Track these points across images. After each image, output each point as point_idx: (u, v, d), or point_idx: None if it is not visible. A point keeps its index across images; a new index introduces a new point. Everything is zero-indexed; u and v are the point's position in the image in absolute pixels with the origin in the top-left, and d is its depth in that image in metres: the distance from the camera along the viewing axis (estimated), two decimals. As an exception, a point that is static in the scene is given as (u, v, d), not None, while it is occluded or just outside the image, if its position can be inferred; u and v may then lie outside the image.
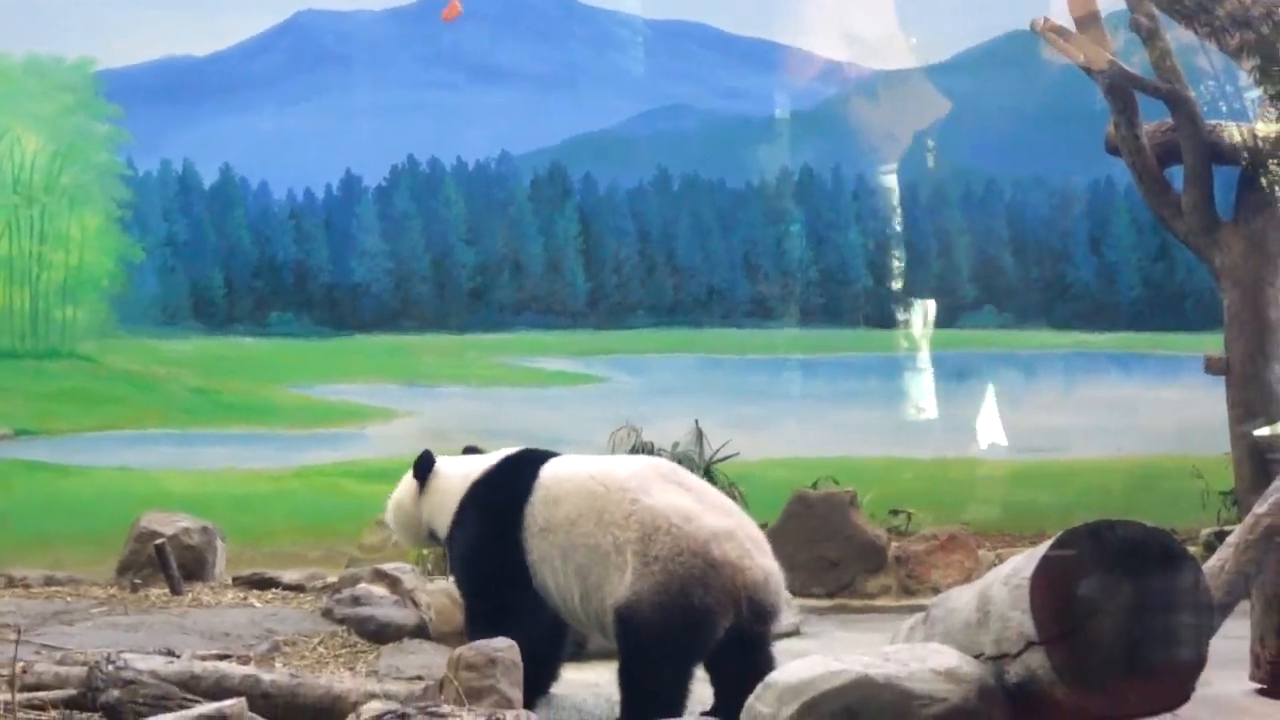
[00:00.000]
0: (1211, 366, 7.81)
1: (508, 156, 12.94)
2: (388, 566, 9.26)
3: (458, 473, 7.65)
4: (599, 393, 12.93)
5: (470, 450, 7.90)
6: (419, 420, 12.59)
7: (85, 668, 6.17)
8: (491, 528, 7.44)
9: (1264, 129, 7.32)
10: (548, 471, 7.38)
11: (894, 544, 10.69)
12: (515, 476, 7.49)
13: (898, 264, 13.28)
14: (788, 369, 13.04)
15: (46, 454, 12.07)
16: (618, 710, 6.88)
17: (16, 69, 12.20)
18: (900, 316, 13.25)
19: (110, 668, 5.96)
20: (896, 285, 13.29)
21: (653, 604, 6.65)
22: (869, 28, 13.04)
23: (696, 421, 12.42)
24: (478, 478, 7.58)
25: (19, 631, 7.30)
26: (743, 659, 6.69)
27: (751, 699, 5.47)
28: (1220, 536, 8.30)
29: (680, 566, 6.65)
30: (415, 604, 8.68)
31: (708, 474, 12.13)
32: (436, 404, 12.67)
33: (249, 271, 12.62)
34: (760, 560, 6.81)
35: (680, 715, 6.56)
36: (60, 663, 6.71)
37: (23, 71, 12.21)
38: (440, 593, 8.89)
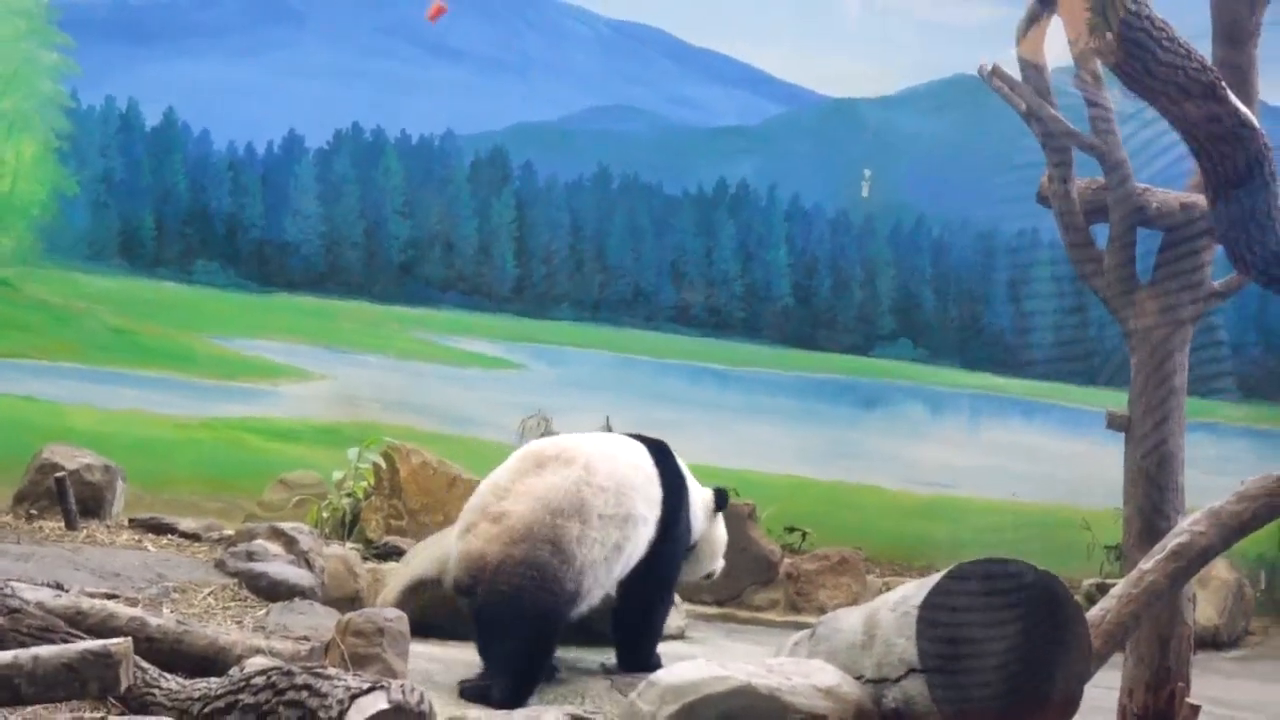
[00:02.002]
0: (1113, 423, 7.88)
1: (452, 135, 12.87)
2: (286, 525, 9.20)
3: None
4: (514, 378, 12.90)
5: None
6: (333, 385, 12.51)
7: (-29, 592, 6.07)
8: None
9: (1190, 199, 7.41)
10: None
11: (787, 560, 10.75)
12: None
13: (821, 287, 13.35)
14: (703, 378, 13.08)
15: (-50, 375, 11.88)
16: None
17: (-31, -13, 12.00)
18: (818, 339, 13.32)
19: (-3, 595, 5.87)
20: (818, 308, 13.35)
21: None
22: (821, 53, 13.12)
23: (607, 418, 12.42)
24: None
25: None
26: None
27: (634, 695, 5.49)
28: (1101, 588, 8.42)
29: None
30: (310, 565, 8.62)
31: (613, 471, 12.16)
32: (352, 370, 12.59)
33: (181, 217, 12.46)
34: (466, 539, 7.07)
35: None
36: (-54, 585, 6.59)
37: (-25, -9, 12.02)
38: (336, 558, 8.84)
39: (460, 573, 7.00)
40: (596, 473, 7.27)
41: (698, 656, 5.74)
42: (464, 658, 7.72)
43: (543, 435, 12.30)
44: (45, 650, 5.08)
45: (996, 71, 7.70)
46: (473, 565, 6.94)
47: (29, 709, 5.01)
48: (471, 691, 6.86)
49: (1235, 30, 6.84)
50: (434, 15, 11.15)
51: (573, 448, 7.39)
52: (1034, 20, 7.83)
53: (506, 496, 7.09)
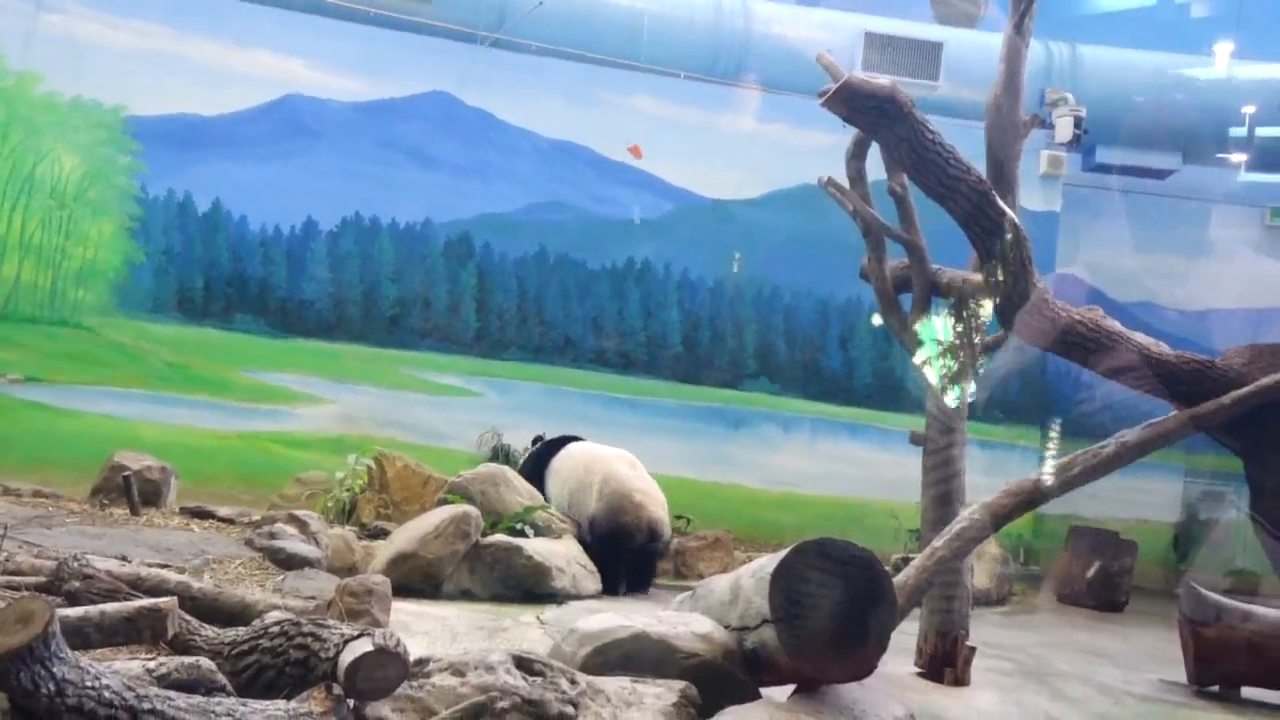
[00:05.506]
0: (914, 440, 7.98)
1: (430, 222, 12.82)
2: (300, 513, 9.11)
3: None
4: (474, 404, 12.82)
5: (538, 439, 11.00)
6: (338, 407, 12.38)
7: (56, 562, 5.92)
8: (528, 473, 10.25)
9: (970, 276, 7.52)
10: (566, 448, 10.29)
11: (675, 540, 10.72)
12: (548, 448, 10.56)
13: (703, 339, 13.42)
14: (615, 404, 13.09)
15: (48, 398, 11.58)
16: (459, 640, 6.83)
17: (65, 106, 11.79)
18: (700, 376, 13.41)
19: (75, 564, 5.74)
20: (700, 354, 13.43)
21: (601, 519, 9.33)
22: (704, 166, 13.26)
23: (543, 434, 12.39)
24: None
25: (5, 529, 7.02)
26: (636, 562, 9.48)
27: (560, 639, 5.44)
28: (905, 561, 8.48)
29: (613, 499, 9.37)
30: (317, 543, 8.50)
31: (546, 473, 12.10)
32: (353, 398, 12.46)
33: (224, 281, 12.29)
34: (649, 510, 9.40)
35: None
36: (37, 556, 6.44)
37: (69, 108, 11.81)
38: (337, 537, 8.71)
39: (648, 526, 9.36)
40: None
41: (608, 611, 5.70)
42: (434, 613, 7.63)
43: (495, 445, 12.27)
44: (110, 606, 4.98)
45: (831, 182, 7.80)
46: (656, 524, 9.41)
47: (97, 651, 4.87)
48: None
49: (1003, 153, 6.98)
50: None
51: (628, 454, 9.96)
52: (860, 146, 7.95)
53: (642, 484, 9.53)
